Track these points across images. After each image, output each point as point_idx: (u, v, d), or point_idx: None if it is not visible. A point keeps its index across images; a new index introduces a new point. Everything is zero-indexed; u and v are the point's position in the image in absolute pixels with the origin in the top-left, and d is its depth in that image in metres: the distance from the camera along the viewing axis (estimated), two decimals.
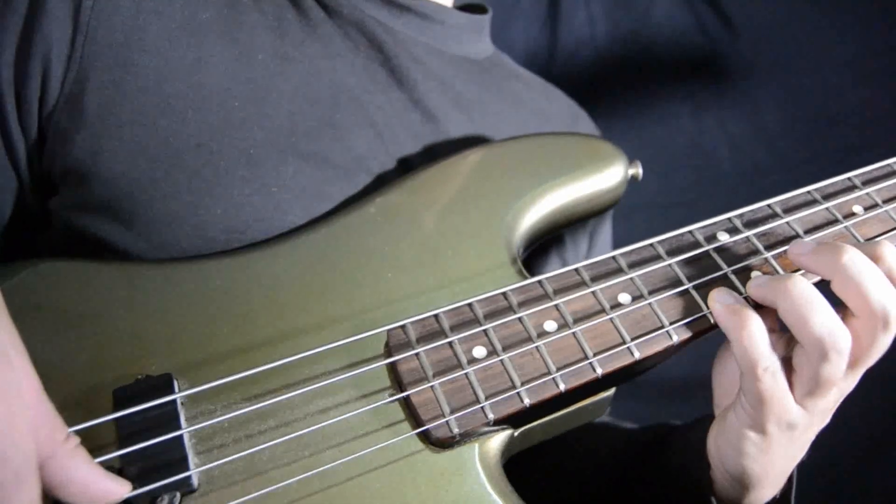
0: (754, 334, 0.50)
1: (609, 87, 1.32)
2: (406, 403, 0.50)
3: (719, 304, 0.52)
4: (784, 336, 0.53)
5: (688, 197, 1.32)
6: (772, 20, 1.28)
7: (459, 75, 0.72)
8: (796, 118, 1.29)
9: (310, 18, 0.65)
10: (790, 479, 0.58)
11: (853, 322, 0.50)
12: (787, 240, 0.58)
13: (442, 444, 0.49)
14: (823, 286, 0.52)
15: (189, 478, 0.45)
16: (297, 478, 0.47)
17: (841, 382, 0.52)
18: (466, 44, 0.74)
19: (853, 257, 0.50)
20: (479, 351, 0.52)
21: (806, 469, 0.59)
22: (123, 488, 0.42)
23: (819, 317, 0.49)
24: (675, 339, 0.53)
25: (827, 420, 0.55)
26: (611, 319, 0.53)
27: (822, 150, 1.27)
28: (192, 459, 0.46)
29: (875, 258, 0.51)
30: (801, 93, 1.29)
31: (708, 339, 0.55)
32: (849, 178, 0.63)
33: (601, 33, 1.30)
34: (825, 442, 0.56)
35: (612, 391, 0.56)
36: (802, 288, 0.50)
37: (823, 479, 1.11)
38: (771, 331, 0.54)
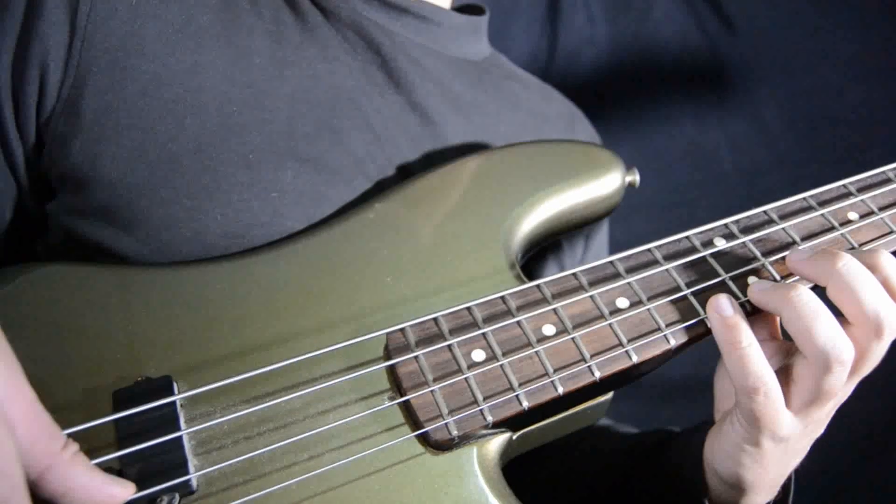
0: (748, 353, 0.50)
1: (609, 87, 1.32)
2: (405, 406, 0.50)
3: (717, 314, 0.52)
4: (784, 344, 0.53)
5: (688, 197, 1.32)
6: (772, 20, 1.28)
7: (457, 77, 0.72)
8: (796, 118, 1.29)
9: (307, 21, 0.65)
10: (787, 486, 0.58)
11: (849, 330, 0.50)
12: (783, 246, 0.58)
13: (441, 446, 0.49)
14: (821, 293, 0.52)
15: (188, 480, 0.45)
16: (296, 480, 0.47)
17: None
18: (464, 45, 0.74)
19: (848, 264, 0.50)
20: (478, 354, 0.52)
21: (803, 472, 0.59)
22: (127, 490, 0.42)
23: (823, 328, 0.48)
24: (673, 343, 0.53)
25: (822, 429, 0.55)
26: (609, 324, 0.53)
27: (822, 150, 1.28)
28: (191, 461, 0.46)
29: (872, 267, 0.51)
30: (801, 93, 1.29)
31: (709, 340, 0.54)
32: (844, 185, 0.63)
33: (601, 34, 1.30)
34: (822, 445, 0.57)
35: (609, 395, 0.56)
36: (807, 298, 0.50)
37: (820, 482, 1.12)
38: (772, 338, 0.54)
